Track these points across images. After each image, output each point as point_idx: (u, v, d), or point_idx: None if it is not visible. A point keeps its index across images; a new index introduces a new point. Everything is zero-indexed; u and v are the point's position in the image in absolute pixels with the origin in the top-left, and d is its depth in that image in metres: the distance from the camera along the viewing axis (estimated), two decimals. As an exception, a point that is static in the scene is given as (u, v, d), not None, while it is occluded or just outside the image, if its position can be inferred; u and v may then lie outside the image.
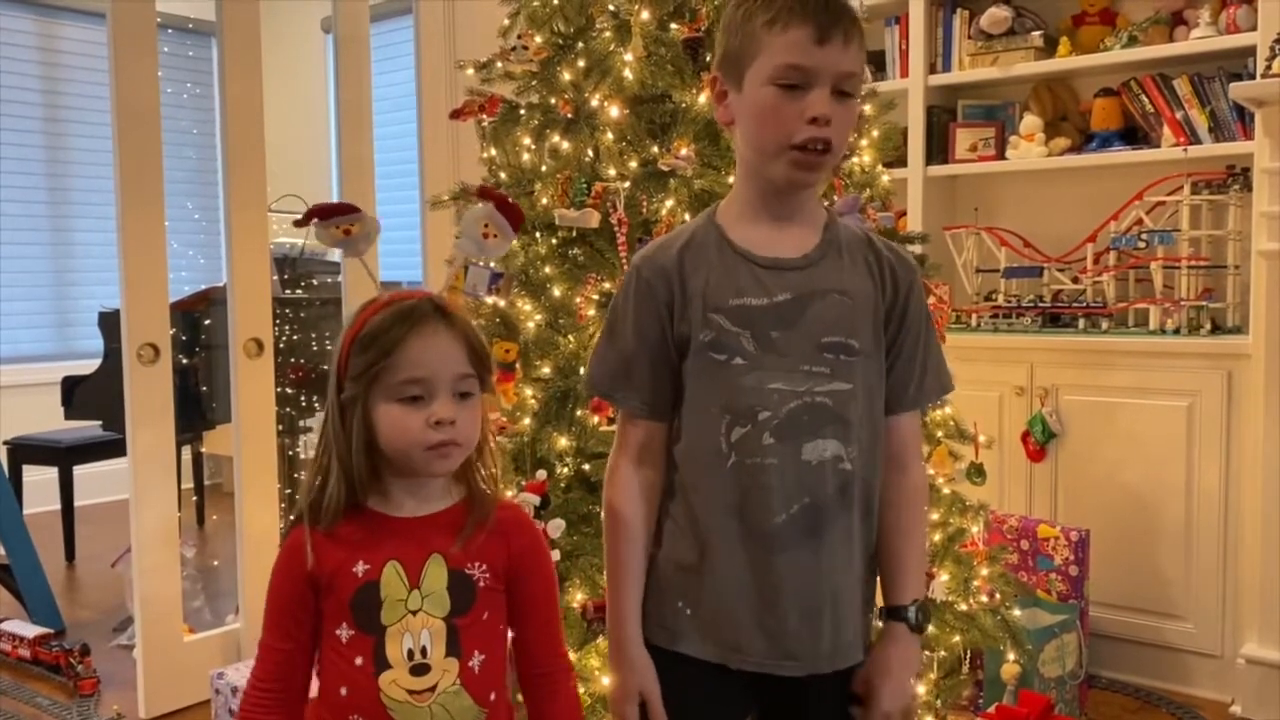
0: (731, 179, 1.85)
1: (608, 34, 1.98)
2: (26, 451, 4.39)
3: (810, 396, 1.25)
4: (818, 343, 1.26)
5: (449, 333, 1.19)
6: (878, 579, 1.36)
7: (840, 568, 1.28)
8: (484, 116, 2.14)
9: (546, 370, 1.95)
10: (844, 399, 1.26)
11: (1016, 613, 2.23)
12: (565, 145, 2.00)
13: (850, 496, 1.28)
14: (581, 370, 1.85)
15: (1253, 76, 2.72)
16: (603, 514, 1.35)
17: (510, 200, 1.33)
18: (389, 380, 1.17)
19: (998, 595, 2.16)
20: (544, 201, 1.99)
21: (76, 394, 4.23)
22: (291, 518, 1.26)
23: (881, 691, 1.30)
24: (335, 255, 4.40)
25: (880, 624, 1.36)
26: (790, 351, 1.25)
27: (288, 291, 3.98)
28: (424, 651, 1.19)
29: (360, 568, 1.20)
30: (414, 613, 1.20)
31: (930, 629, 1.98)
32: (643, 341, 1.31)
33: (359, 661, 1.19)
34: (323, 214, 1.24)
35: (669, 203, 1.89)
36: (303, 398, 3.67)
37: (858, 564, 1.30)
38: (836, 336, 1.26)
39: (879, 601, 1.38)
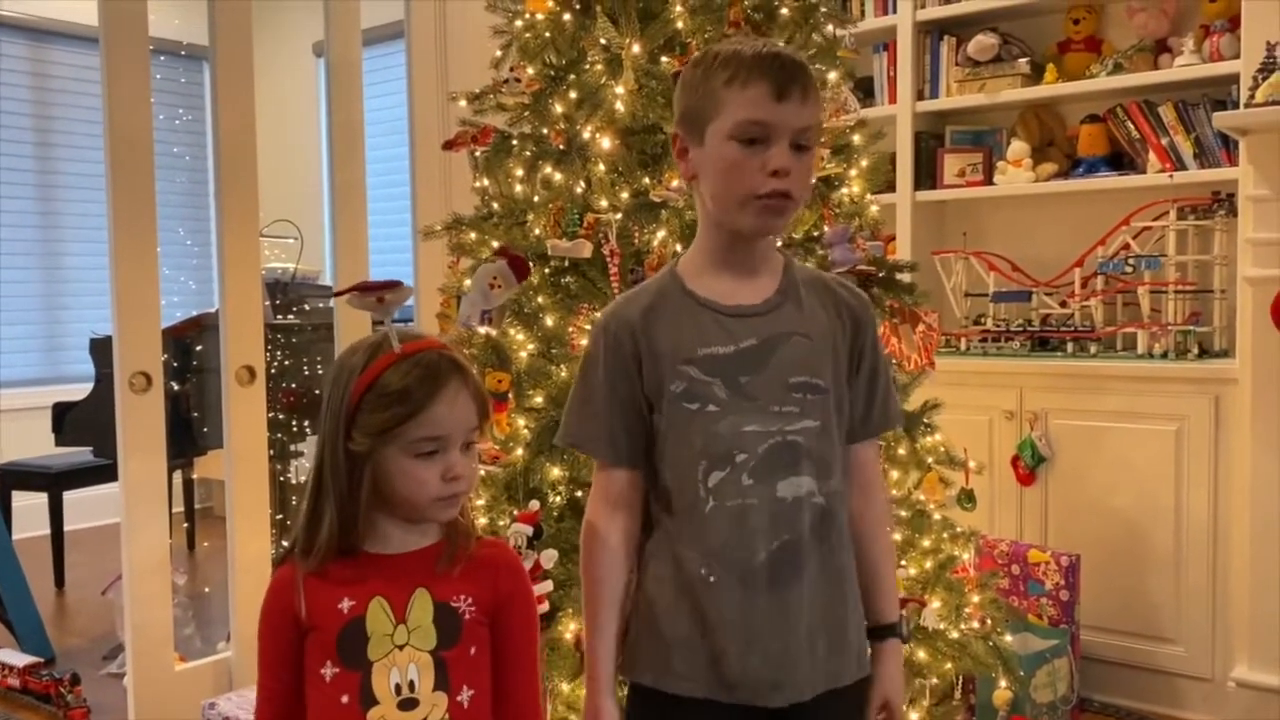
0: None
1: (599, 67, 2.00)
2: (16, 477, 4.36)
3: (782, 436, 1.29)
4: (786, 383, 1.30)
5: (466, 391, 1.22)
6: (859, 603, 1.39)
7: (826, 598, 1.31)
8: (476, 147, 2.16)
9: (539, 400, 1.95)
10: (813, 435, 1.30)
11: (1008, 638, 2.24)
12: (557, 176, 2.02)
13: (825, 529, 1.31)
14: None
15: (1237, 103, 2.76)
16: (580, 562, 1.37)
17: (518, 255, 1.37)
18: (408, 437, 1.19)
19: (989, 621, 2.17)
20: (536, 232, 2.00)
21: (67, 420, 4.22)
22: (277, 556, 1.27)
23: (898, 704, 1.39)
24: (327, 280, 4.41)
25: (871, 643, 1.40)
26: (760, 394, 1.29)
27: (279, 317, 3.98)
28: (411, 686, 1.20)
29: (346, 604, 1.21)
30: (401, 647, 1.21)
31: (922, 656, 1.99)
32: (613, 393, 1.34)
33: (345, 700, 1.20)
34: (366, 289, 1.26)
35: (660, 233, 1.91)
36: (294, 423, 3.66)
37: (836, 593, 1.33)
38: (803, 376, 1.31)
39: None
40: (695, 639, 1.29)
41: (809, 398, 1.30)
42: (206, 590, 3.91)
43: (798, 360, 1.31)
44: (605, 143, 1.95)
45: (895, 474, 2.12)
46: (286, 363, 3.68)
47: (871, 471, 1.42)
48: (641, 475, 1.36)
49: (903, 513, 2.10)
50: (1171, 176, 3.00)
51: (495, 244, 2.05)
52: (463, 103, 2.20)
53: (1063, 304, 3.18)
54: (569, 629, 1.79)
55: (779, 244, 1.44)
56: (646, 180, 1.96)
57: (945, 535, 2.17)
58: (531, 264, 2.02)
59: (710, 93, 1.28)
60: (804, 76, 1.27)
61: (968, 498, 2.38)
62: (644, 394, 1.33)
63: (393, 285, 1.26)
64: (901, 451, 2.13)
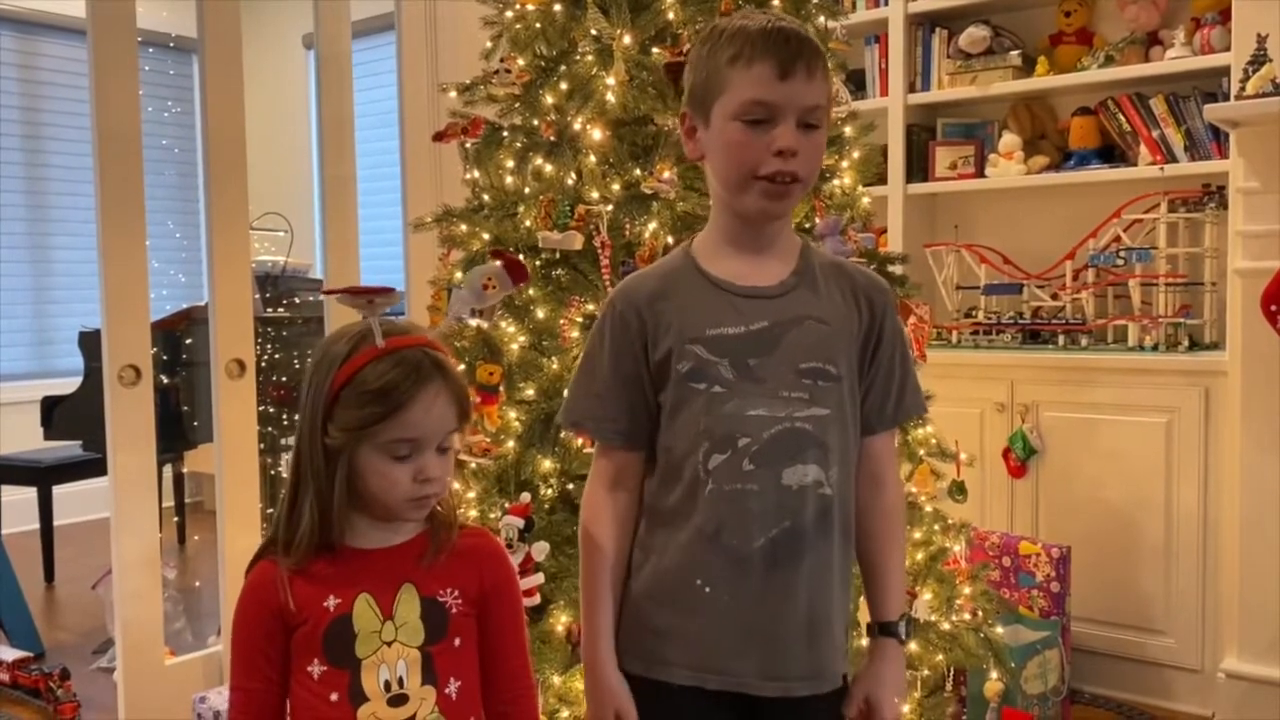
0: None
1: (590, 58, 1.99)
2: (5, 471, 4.34)
3: (790, 422, 1.26)
4: (796, 368, 1.27)
5: (445, 393, 1.19)
6: (850, 602, 1.37)
7: (820, 591, 1.29)
8: (467, 139, 2.15)
9: (530, 392, 1.95)
10: (823, 424, 1.28)
11: (999, 630, 2.24)
12: (548, 168, 2.01)
13: (830, 521, 1.29)
14: (565, 393, 1.85)
15: (1227, 96, 2.76)
16: (579, 541, 1.36)
17: (517, 261, 1.35)
18: (383, 437, 1.17)
19: (980, 613, 2.17)
20: (527, 224, 1.99)
21: (56, 414, 4.20)
22: (257, 553, 1.24)
23: (884, 706, 1.33)
24: (317, 273, 4.39)
25: (867, 640, 1.39)
26: (768, 378, 1.27)
27: (269, 310, 3.97)
28: (400, 682, 1.20)
29: (331, 602, 1.20)
30: (389, 644, 1.20)
31: (914, 648, 1.99)
32: (617, 373, 1.32)
33: (334, 698, 1.19)
34: (357, 291, 1.24)
35: (652, 225, 1.90)
36: (285, 417, 3.65)
37: (837, 588, 1.32)
38: (814, 362, 1.28)
39: (862, 619, 1.40)
40: (686, 626, 1.28)
41: (820, 384, 1.28)
42: (197, 584, 3.90)
43: (810, 345, 1.28)
44: (596, 134, 1.95)
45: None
46: (277, 356, 3.67)
47: (884, 463, 1.38)
48: (642, 458, 1.34)
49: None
50: (1162, 169, 3.00)
51: (486, 235, 2.04)
52: (453, 94, 2.19)
53: (1054, 297, 3.19)
54: (560, 621, 1.79)
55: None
56: (638, 172, 1.95)
57: (936, 527, 2.18)
58: (523, 256, 2.02)
59: (715, 70, 1.26)
60: (810, 53, 1.24)
61: (959, 490, 2.38)
62: (649, 374, 1.31)
63: (384, 290, 1.25)
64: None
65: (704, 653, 1.28)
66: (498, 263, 1.35)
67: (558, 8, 2.05)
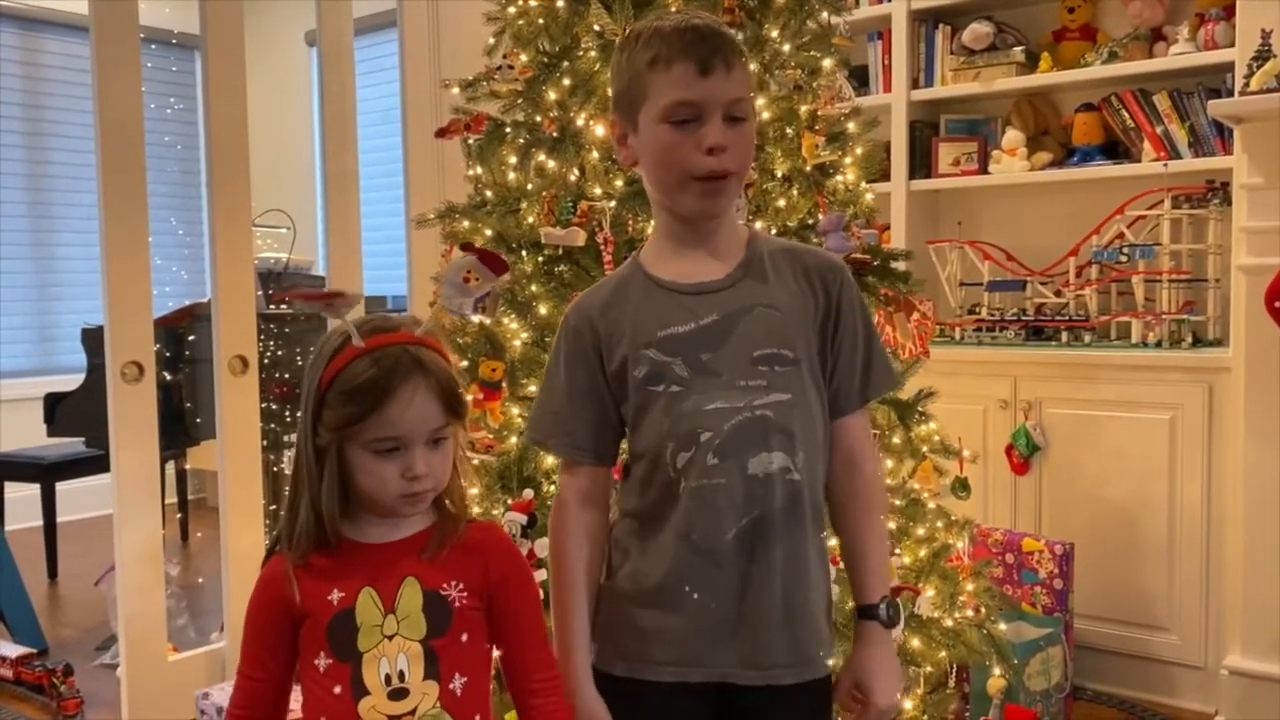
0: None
1: (593, 53, 1.99)
2: (8, 468, 4.35)
3: (751, 411, 1.26)
4: (750, 357, 1.27)
5: (425, 388, 1.19)
6: (829, 587, 1.37)
7: (796, 578, 1.29)
8: (470, 135, 2.14)
9: (533, 389, 1.94)
10: (785, 409, 1.27)
11: (1002, 627, 2.24)
12: (551, 164, 2.01)
13: (800, 507, 1.29)
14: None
15: (1231, 92, 2.76)
16: (549, 559, 1.36)
17: (491, 251, 1.34)
18: (366, 436, 1.18)
19: (983, 609, 2.17)
20: (530, 220, 1.99)
21: (59, 411, 4.21)
22: (268, 549, 1.27)
23: (874, 691, 1.32)
24: (320, 270, 4.39)
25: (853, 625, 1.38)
26: (724, 370, 1.27)
27: (272, 307, 3.97)
28: (401, 676, 1.20)
29: (335, 596, 1.20)
30: (390, 637, 1.20)
31: (916, 644, 1.99)
32: (574, 388, 1.33)
33: (337, 690, 1.19)
34: (310, 298, 1.24)
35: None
36: (287, 413, 3.65)
37: (813, 573, 1.31)
38: (769, 348, 1.28)
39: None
40: (669, 625, 1.28)
41: (777, 369, 1.27)
42: (200, 581, 3.91)
43: (762, 332, 1.28)
44: (599, 130, 1.94)
45: (890, 463, 2.12)
46: (279, 353, 3.66)
47: (857, 446, 1.35)
48: (608, 472, 1.36)
49: (897, 501, 2.10)
50: (1166, 165, 2.99)
51: (489, 231, 2.04)
52: (456, 90, 2.19)
53: (1057, 293, 3.18)
54: (563, 618, 1.78)
55: (746, 218, 1.42)
56: (640, 168, 1.94)
57: (939, 524, 2.17)
58: (525, 253, 2.01)
59: (636, 75, 1.27)
60: (726, 48, 1.25)
61: (962, 486, 2.38)
62: (608, 385, 1.32)
63: (336, 294, 1.24)
64: (896, 440, 2.13)
65: (686, 648, 1.28)
66: (472, 256, 1.32)
67: (560, 3, 2.05)
